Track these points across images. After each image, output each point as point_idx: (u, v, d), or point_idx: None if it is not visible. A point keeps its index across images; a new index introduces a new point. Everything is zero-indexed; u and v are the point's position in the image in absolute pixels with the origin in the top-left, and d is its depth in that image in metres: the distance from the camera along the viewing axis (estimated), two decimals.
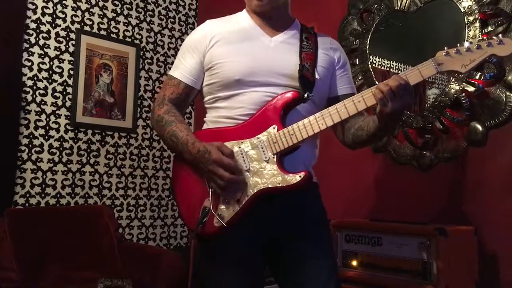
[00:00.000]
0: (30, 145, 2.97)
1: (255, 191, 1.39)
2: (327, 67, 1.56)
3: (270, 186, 1.38)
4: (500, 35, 1.29)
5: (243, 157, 1.42)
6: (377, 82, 2.53)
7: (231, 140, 1.44)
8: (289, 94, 1.44)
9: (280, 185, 1.37)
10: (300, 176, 1.37)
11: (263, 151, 1.41)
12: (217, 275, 1.46)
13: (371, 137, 1.48)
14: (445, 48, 1.33)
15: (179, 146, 1.46)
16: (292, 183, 1.37)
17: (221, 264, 1.45)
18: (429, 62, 1.33)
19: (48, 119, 3.05)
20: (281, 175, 1.38)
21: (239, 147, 1.43)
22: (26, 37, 2.99)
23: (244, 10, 1.61)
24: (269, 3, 1.52)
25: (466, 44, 1.31)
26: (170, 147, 1.53)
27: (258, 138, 1.42)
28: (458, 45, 1.32)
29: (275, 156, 1.40)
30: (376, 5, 2.58)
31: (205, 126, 1.57)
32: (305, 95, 1.43)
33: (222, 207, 1.40)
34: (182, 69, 1.55)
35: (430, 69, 1.33)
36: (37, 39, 3.04)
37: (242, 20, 1.58)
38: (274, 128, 1.42)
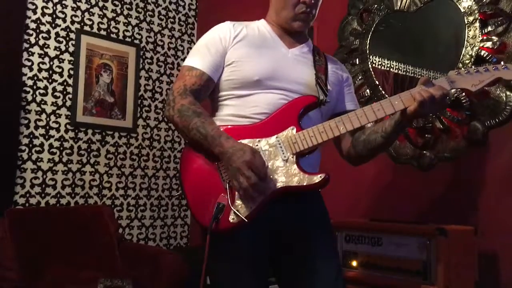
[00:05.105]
0: (30, 145, 2.97)
1: (275, 189, 1.41)
2: (336, 83, 1.64)
3: (291, 185, 1.41)
4: (502, 62, 1.46)
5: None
6: (377, 82, 2.54)
7: (248, 138, 1.45)
8: (307, 98, 1.49)
9: (300, 184, 1.40)
10: (320, 177, 1.41)
11: (282, 151, 1.43)
12: (229, 274, 1.46)
13: (387, 138, 1.50)
14: (456, 68, 1.45)
15: (208, 139, 1.42)
16: (313, 183, 1.40)
17: (234, 262, 1.46)
18: (443, 79, 1.43)
19: (48, 119, 3.05)
20: (302, 175, 1.41)
21: (256, 145, 1.44)
22: (26, 37, 2.99)
23: (263, 20, 1.66)
24: (308, 25, 1.61)
25: (474, 66, 1.46)
26: (193, 139, 1.46)
27: (277, 137, 1.45)
28: (467, 67, 1.47)
29: (294, 156, 1.43)
30: (376, 5, 2.58)
31: None
32: (323, 100, 1.49)
33: (238, 203, 1.40)
34: (206, 61, 1.52)
35: (445, 85, 1.41)
36: (37, 39, 3.04)
37: (262, 28, 1.62)
38: (293, 129, 1.45)
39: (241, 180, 1.35)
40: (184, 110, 1.47)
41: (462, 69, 1.44)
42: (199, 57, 1.54)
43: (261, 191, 1.38)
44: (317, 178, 1.40)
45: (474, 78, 1.41)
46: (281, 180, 1.41)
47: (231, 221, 1.39)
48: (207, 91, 1.56)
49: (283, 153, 1.43)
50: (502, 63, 1.42)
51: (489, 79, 1.41)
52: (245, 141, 1.44)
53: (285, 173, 1.42)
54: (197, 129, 1.44)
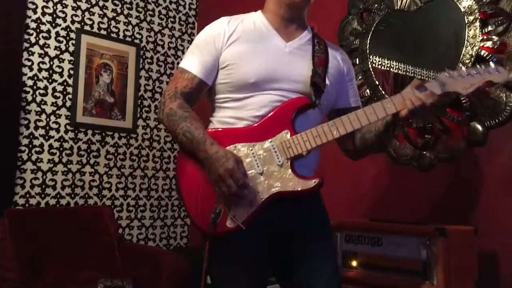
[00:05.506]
0: (30, 145, 2.97)
1: (270, 194, 1.42)
2: (336, 76, 1.60)
3: (285, 190, 1.42)
4: (492, 64, 1.44)
5: (255, 160, 1.44)
6: (377, 82, 2.54)
7: (242, 142, 1.45)
8: (300, 100, 1.47)
9: (294, 189, 1.42)
10: (314, 182, 1.43)
11: (277, 155, 1.44)
12: (227, 276, 1.46)
13: (380, 137, 1.52)
14: (446, 69, 1.43)
15: (194, 143, 1.43)
16: (307, 188, 1.42)
17: (232, 265, 1.45)
18: (435, 82, 1.42)
19: (48, 119, 3.05)
20: (296, 180, 1.42)
21: (251, 150, 1.44)
22: (26, 37, 2.99)
23: (260, 12, 1.61)
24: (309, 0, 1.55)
25: (466, 68, 1.44)
26: (180, 143, 1.48)
27: (271, 142, 1.45)
28: (458, 68, 1.45)
29: (289, 160, 1.43)
30: (376, 5, 2.58)
31: (211, 126, 1.55)
32: (316, 102, 1.47)
33: (235, 208, 1.40)
34: (198, 63, 1.51)
35: (436, 89, 1.41)
36: (37, 38, 3.03)
37: (258, 21, 1.57)
38: (287, 133, 1.45)
39: (223, 188, 1.37)
40: (171, 115, 1.47)
41: (455, 71, 1.43)
42: (191, 60, 1.53)
43: (245, 198, 1.38)
44: (311, 183, 1.42)
45: (465, 81, 1.41)
46: (276, 185, 1.42)
47: (228, 225, 1.40)
48: (200, 94, 1.55)
49: (278, 158, 1.43)
50: (492, 65, 1.43)
51: (480, 82, 1.42)
52: (239, 145, 1.45)
53: (280, 178, 1.42)
54: (184, 134, 1.44)
